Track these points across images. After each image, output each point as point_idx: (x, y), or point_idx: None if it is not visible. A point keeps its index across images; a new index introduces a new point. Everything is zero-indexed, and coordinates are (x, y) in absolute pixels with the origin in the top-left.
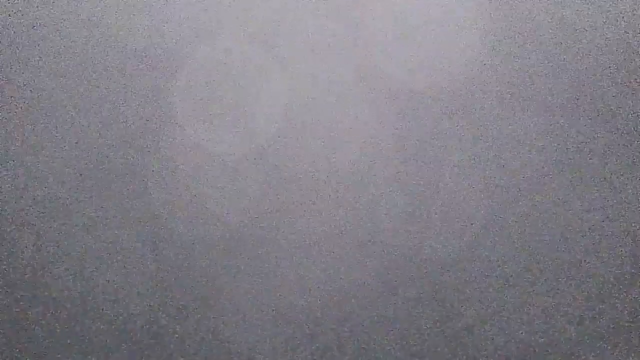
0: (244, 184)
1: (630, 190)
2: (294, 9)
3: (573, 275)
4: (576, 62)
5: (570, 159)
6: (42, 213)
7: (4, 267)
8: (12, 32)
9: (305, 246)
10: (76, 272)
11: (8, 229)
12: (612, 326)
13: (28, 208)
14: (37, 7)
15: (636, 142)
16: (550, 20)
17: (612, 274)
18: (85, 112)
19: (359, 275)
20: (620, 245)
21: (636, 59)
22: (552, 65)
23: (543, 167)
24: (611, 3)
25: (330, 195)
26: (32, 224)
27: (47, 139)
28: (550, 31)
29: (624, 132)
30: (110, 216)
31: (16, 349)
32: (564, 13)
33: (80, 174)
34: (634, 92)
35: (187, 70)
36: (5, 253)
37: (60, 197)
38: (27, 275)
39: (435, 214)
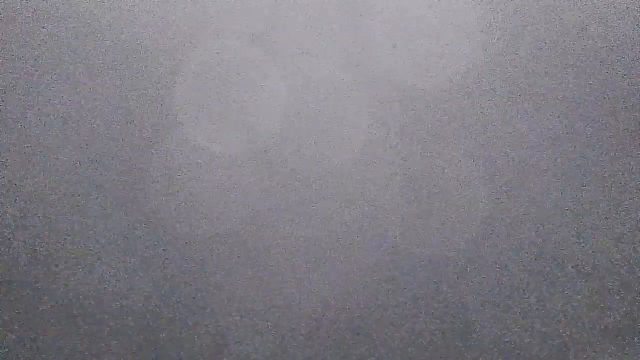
0: (244, 184)
1: (631, 190)
2: (294, 9)
3: (573, 274)
4: (576, 62)
5: (571, 158)
6: (42, 213)
7: (4, 267)
8: (11, 31)
9: (305, 246)
10: (75, 271)
11: (8, 229)
12: (612, 326)
13: (27, 208)
14: (37, 6)
15: (636, 141)
16: (550, 20)
17: (613, 274)
18: (84, 112)
19: (359, 275)
20: (620, 245)
21: (636, 59)
22: (552, 65)
23: (544, 167)
24: (611, 3)
25: (330, 195)
26: (32, 224)
27: (45, 139)
28: (550, 31)
29: (624, 131)
30: (109, 216)
31: (16, 348)
32: (563, 13)
33: (79, 174)
34: (634, 92)
35: (187, 70)
36: (6, 253)
37: (59, 197)
38: (26, 275)
39: (436, 213)
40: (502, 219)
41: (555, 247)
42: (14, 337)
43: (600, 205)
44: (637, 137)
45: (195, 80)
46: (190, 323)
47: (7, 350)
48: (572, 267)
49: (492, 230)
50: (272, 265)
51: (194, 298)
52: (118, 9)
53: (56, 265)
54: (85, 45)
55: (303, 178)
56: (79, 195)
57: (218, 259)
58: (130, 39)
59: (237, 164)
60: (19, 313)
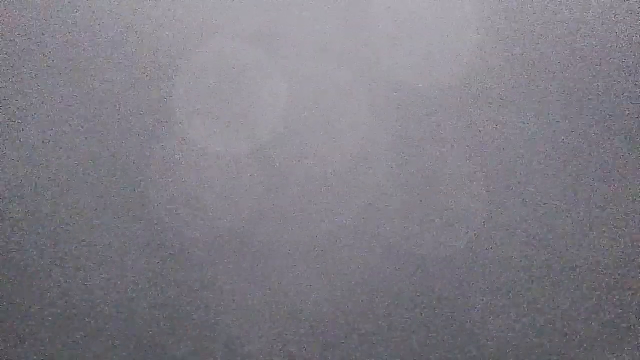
0: (244, 184)
1: (630, 190)
2: (294, 9)
3: (573, 274)
4: (576, 62)
5: (570, 158)
6: (42, 213)
7: (4, 267)
8: (12, 32)
9: (305, 246)
10: (75, 271)
11: (8, 229)
12: (611, 326)
13: (28, 208)
14: (37, 7)
15: (636, 141)
16: (550, 21)
17: (612, 274)
18: (85, 112)
19: (358, 275)
20: (620, 245)
21: (636, 59)
22: (551, 65)
23: (543, 167)
24: (611, 3)
25: (330, 195)
26: (32, 224)
27: (46, 139)
28: (550, 31)
29: (624, 131)
30: (110, 216)
31: (16, 348)
32: (563, 13)
33: (80, 174)
34: (634, 92)
35: (187, 70)
36: (6, 253)
37: (59, 197)
38: (27, 275)
39: (435, 213)
40: (501, 218)
41: (554, 247)
42: (12, 338)
43: (600, 205)
44: (636, 137)
45: (195, 80)
46: (189, 323)
47: (5, 351)
48: (572, 267)
49: (491, 230)
50: (272, 265)
51: (193, 298)
52: (118, 9)
53: (55, 265)
54: (85, 45)
55: (303, 178)
56: (78, 195)
57: (218, 258)
58: (130, 39)
59: (237, 163)
60: (17, 314)
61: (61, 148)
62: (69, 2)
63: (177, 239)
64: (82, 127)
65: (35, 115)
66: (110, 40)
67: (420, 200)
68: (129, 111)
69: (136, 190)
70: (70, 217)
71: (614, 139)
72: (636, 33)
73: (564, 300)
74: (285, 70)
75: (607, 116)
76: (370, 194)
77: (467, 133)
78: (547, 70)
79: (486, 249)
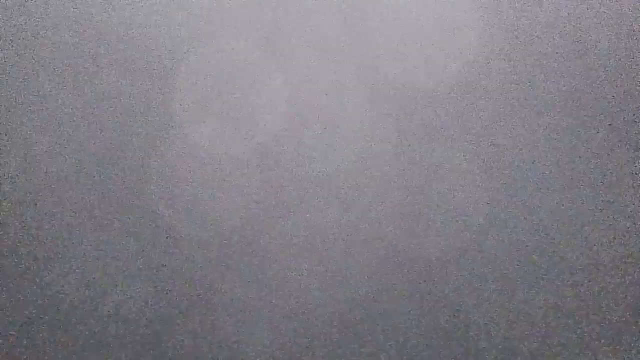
0: (244, 184)
1: (630, 190)
2: (294, 9)
3: (573, 274)
4: (576, 62)
5: (571, 159)
6: (42, 213)
7: (4, 267)
8: (11, 32)
9: (305, 246)
10: (75, 272)
11: (8, 229)
12: (612, 326)
13: (28, 208)
14: (35, 6)
15: (636, 142)
16: (550, 20)
17: (612, 274)
18: (84, 112)
19: (358, 275)
20: (620, 245)
21: (636, 59)
22: (552, 66)
23: (543, 167)
24: (611, 3)
25: (330, 195)
26: (32, 224)
27: (45, 139)
28: (550, 31)
29: (624, 132)
30: (109, 216)
31: (16, 349)
32: (563, 13)
33: (80, 174)
34: (633, 92)
35: (187, 70)
36: (6, 253)
37: (59, 197)
38: (27, 275)
39: (436, 213)
40: (501, 219)
41: (554, 247)
42: (8, 338)
43: (600, 205)
44: (636, 137)
45: (195, 80)
46: (189, 323)
47: (7, 350)
48: (571, 267)
49: (490, 231)
50: (271, 265)
51: (193, 298)
52: (118, 9)
53: (54, 265)
54: (85, 45)
55: (303, 178)
56: (78, 195)
57: (217, 258)
58: (130, 39)
59: (238, 164)
60: (14, 314)
61: (60, 148)
62: (69, 2)
63: (177, 238)
64: (81, 126)
65: (35, 116)
66: (109, 39)
67: (420, 200)
68: (128, 111)
69: (136, 190)
70: (70, 217)
71: (614, 139)
72: (637, 33)
73: (565, 300)
74: (285, 70)
75: (608, 116)
76: (370, 194)
77: (467, 133)
78: (547, 71)
79: (486, 249)
